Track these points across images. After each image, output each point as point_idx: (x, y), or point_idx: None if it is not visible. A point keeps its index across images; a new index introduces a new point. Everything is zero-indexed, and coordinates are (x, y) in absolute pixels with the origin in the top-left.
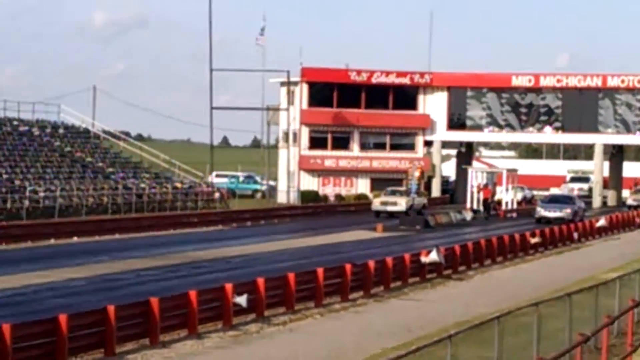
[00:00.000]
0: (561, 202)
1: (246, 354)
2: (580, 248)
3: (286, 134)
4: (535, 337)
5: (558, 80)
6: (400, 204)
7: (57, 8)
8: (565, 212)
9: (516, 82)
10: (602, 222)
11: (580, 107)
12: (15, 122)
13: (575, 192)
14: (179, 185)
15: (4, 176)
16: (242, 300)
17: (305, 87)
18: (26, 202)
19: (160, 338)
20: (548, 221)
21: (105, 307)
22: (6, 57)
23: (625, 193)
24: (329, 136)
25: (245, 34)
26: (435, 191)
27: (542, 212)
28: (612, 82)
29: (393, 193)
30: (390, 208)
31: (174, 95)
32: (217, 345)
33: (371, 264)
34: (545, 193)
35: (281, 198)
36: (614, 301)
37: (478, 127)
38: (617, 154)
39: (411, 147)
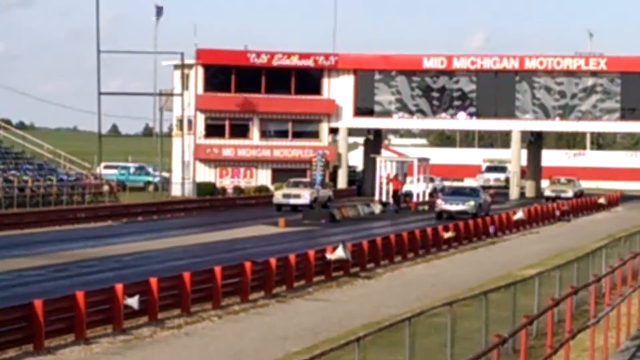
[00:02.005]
0: (464, 195)
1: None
2: (497, 243)
3: (180, 122)
4: (449, 338)
5: (472, 62)
6: (304, 196)
7: None
8: (468, 205)
9: (427, 64)
10: (519, 214)
11: (496, 91)
12: None
13: (492, 183)
14: (64, 177)
15: None
16: (133, 301)
17: (200, 70)
18: None
19: (45, 343)
20: (450, 216)
21: None
22: None
23: (544, 183)
24: (227, 123)
25: (138, 11)
26: (342, 182)
27: (443, 205)
28: (530, 64)
29: (296, 185)
30: (293, 201)
31: (59, 80)
32: (106, 351)
33: (272, 261)
34: (460, 184)
35: (175, 191)
36: (533, 300)
37: (387, 113)
38: (535, 142)
39: (315, 135)
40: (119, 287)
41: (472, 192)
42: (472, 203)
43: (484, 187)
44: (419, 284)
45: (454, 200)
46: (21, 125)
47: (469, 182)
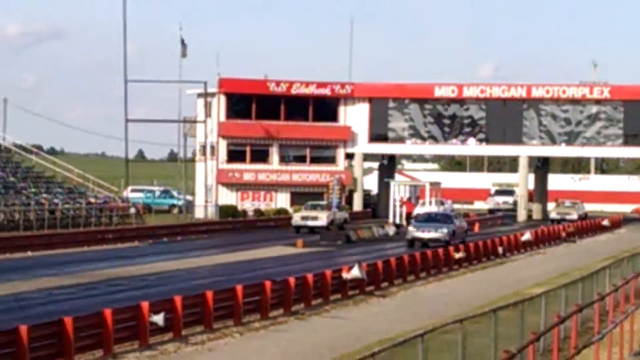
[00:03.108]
0: (437, 221)
1: None
2: (505, 263)
3: (203, 147)
4: (460, 354)
5: (482, 91)
6: (321, 218)
7: None
8: (441, 232)
9: (439, 92)
10: (527, 236)
11: (504, 118)
12: None
13: (501, 206)
14: (93, 200)
15: None
16: (158, 319)
17: (222, 98)
18: None
19: (74, 359)
20: (424, 244)
21: (17, 327)
22: None
23: (551, 206)
24: (248, 149)
25: (163, 44)
26: (357, 205)
27: (414, 232)
28: (537, 93)
29: (314, 207)
30: (310, 223)
31: (89, 108)
32: None
33: (291, 280)
34: (469, 207)
35: (199, 213)
36: (540, 318)
37: (400, 139)
38: (542, 167)
39: (332, 160)
40: (145, 305)
41: (445, 219)
42: (444, 230)
43: (493, 210)
44: (432, 302)
45: (426, 228)
46: (52, 151)
47: (479, 205)
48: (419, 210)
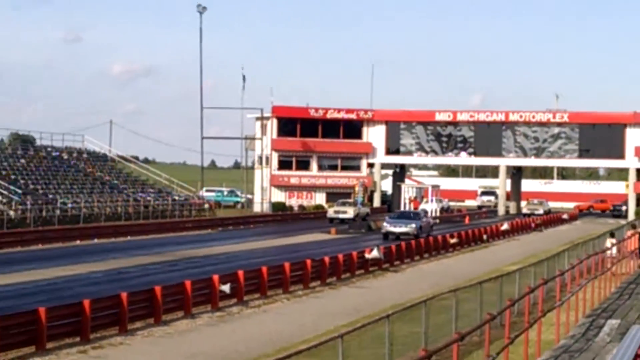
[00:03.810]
0: (407, 218)
1: (229, 330)
2: (488, 247)
3: (260, 158)
4: (454, 316)
5: (471, 116)
6: (349, 212)
7: (84, 59)
8: (410, 227)
9: (439, 117)
10: (505, 226)
11: (488, 136)
12: (49, 149)
13: (486, 203)
14: (176, 198)
15: (40, 191)
16: (226, 288)
17: (275, 121)
18: (57, 212)
19: (162, 318)
20: (397, 237)
21: (119, 293)
22: (43, 95)
23: (523, 204)
24: (294, 160)
25: (230, 78)
26: (376, 202)
27: (388, 227)
28: (513, 117)
29: (343, 204)
30: (341, 216)
31: (174, 127)
32: (207, 323)
33: (326, 259)
34: (461, 204)
35: (256, 208)
36: (515, 288)
37: (409, 153)
38: (516, 173)
39: (357, 168)
40: (216, 277)
41: (414, 216)
42: (413, 225)
43: (480, 206)
44: (432, 276)
45: (397, 223)
46: (146, 160)
47: (469, 202)
48: (423, 206)
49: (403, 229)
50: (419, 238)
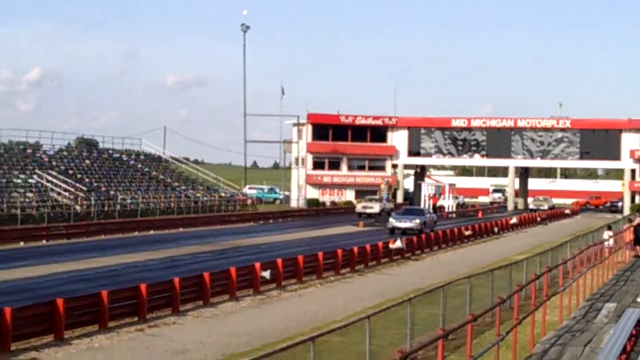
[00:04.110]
0: (412, 214)
1: (269, 311)
2: (499, 238)
3: (297, 159)
4: (468, 299)
5: (484, 122)
6: (375, 207)
7: (142, 71)
8: (414, 222)
9: (455, 123)
10: (514, 220)
11: (498, 140)
12: (110, 151)
13: (496, 200)
14: (222, 194)
15: (102, 188)
16: (266, 274)
17: (309, 127)
18: (117, 207)
19: (210, 300)
20: (403, 232)
21: (172, 279)
22: (105, 104)
23: (530, 200)
24: (326, 161)
25: (270, 88)
26: (399, 199)
27: (394, 223)
28: (521, 123)
29: (370, 200)
30: (368, 210)
31: (221, 132)
32: (249, 305)
33: (355, 249)
34: (475, 200)
35: (293, 204)
36: (522, 275)
37: (428, 155)
38: (524, 173)
39: (383, 168)
40: (258, 264)
41: (418, 212)
42: (417, 221)
43: (491, 202)
44: (449, 264)
45: (402, 219)
46: (196, 161)
47: (482, 199)
48: (440, 202)
49: (408, 224)
50: (422, 233)
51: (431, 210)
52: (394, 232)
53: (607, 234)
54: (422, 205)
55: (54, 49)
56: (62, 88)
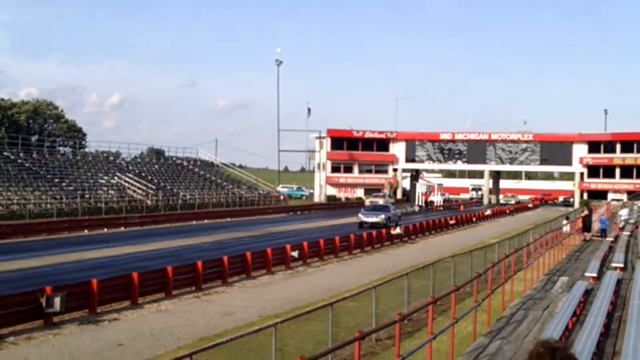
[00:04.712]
0: (378, 210)
1: (297, 282)
2: (477, 226)
3: (319, 165)
4: (452, 274)
5: (465, 136)
6: (380, 202)
7: (199, 97)
8: (380, 217)
9: (442, 136)
10: (488, 212)
11: (476, 150)
12: (174, 158)
13: (475, 196)
14: (261, 191)
15: (168, 187)
16: (295, 253)
17: (329, 139)
18: (179, 201)
19: (251, 274)
20: (371, 225)
21: (222, 257)
22: (170, 121)
23: (501, 197)
24: (342, 166)
25: (298, 109)
26: (399, 195)
27: (363, 218)
28: (494, 137)
29: (376, 196)
30: (374, 204)
31: (260, 143)
32: (281, 278)
33: (364, 234)
34: (457, 196)
35: (316, 199)
36: (495, 255)
37: (421, 161)
38: (496, 176)
39: (386, 171)
40: (288, 246)
41: (384, 209)
42: (382, 216)
43: (472, 199)
44: (438, 246)
45: (370, 214)
46: (240, 166)
47: (463, 196)
48: (431, 198)
49: (374, 219)
50: (388, 226)
51: (396, 209)
52: (362, 225)
53: (565, 222)
54: (416, 201)
55: (130, 80)
56: (137, 109)
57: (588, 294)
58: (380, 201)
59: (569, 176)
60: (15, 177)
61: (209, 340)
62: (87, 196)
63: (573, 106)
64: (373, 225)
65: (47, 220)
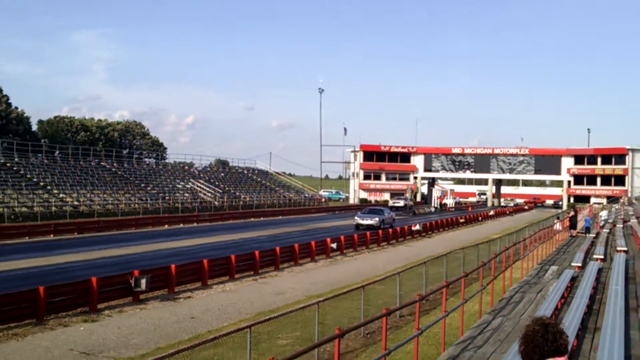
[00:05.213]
0: (373, 213)
1: (336, 269)
2: (482, 224)
3: (353, 173)
4: (462, 262)
5: (472, 150)
6: (400, 203)
7: (257, 118)
8: (374, 220)
9: (454, 151)
10: (492, 213)
11: (482, 162)
12: (236, 168)
13: (481, 199)
14: (306, 195)
15: (231, 191)
16: (334, 245)
17: (361, 153)
18: (241, 202)
19: (298, 262)
20: (368, 227)
21: (275, 248)
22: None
23: (502, 200)
24: (372, 174)
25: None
26: (418, 199)
27: (358, 220)
28: (497, 151)
29: (398, 199)
30: (396, 204)
31: (306, 156)
32: (323, 265)
33: (390, 230)
34: (466, 200)
35: (351, 201)
36: (497, 247)
37: (437, 171)
38: (498, 183)
39: (407, 179)
40: (328, 239)
41: (379, 212)
42: (377, 219)
43: (478, 202)
44: (450, 240)
45: (365, 217)
46: (289, 174)
47: (471, 199)
48: (444, 201)
49: (368, 222)
50: (381, 228)
51: (391, 212)
52: (358, 227)
53: (556, 221)
54: (432, 203)
55: (202, 104)
56: (207, 128)
57: (574, 280)
58: (400, 202)
59: (558, 183)
60: (110, 183)
61: (265, 315)
62: (167, 198)
63: (561, 125)
64: (369, 228)
65: (135, 217)
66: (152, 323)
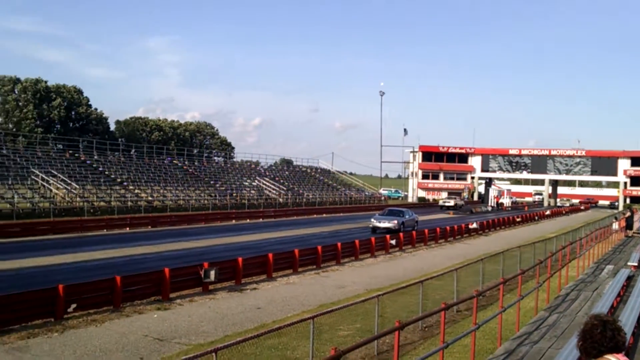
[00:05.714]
0: (393, 215)
1: (394, 264)
2: (538, 224)
3: (412, 173)
4: (518, 260)
5: (529, 151)
6: (450, 202)
7: (321, 119)
8: (392, 223)
9: (511, 152)
10: (548, 212)
11: (539, 162)
12: (300, 166)
13: (537, 199)
14: (366, 193)
15: (295, 189)
16: (393, 241)
17: (420, 153)
18: (304, 199)
19: (359, 257)
20: (387, 231)
21: (337, 243)
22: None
23: (558, 200)
24: (430, 174)
25: (397, 128)
26: (475, 198)
27: (375, 223)
28: (553, 152)
29: (449, 198)
30: (446, 204)
31: (367, 156)
32: (382, 261)
33: (447, 227)
34: (523, 199)
35: (409, 200)
36: (553, 246)
37: (494, 171)
38: (555, 184)
39: (465, 179)
40: (387, 236)
41: (399, 213)
42: (395, 222)
43: (534, 202)
44: (506, 238)
45: (383, 219)
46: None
47: (528, 199)
48: (501, 200)
49: (386, 225)
50: (401, 231)
51: (414, 214)
52: (375, 231)
53: (614, 221)
54: (489, 202)
55: (268, 106)
56: (273, 129)
57: (630, 279)
58: (450, 202)
59: (615, 184)
60: (182, 180)
61: (327, 307)
62: (234, 194)
63: (619, 127)
64: (388, 231)
65: (204, 212)
66: (220, 312)
